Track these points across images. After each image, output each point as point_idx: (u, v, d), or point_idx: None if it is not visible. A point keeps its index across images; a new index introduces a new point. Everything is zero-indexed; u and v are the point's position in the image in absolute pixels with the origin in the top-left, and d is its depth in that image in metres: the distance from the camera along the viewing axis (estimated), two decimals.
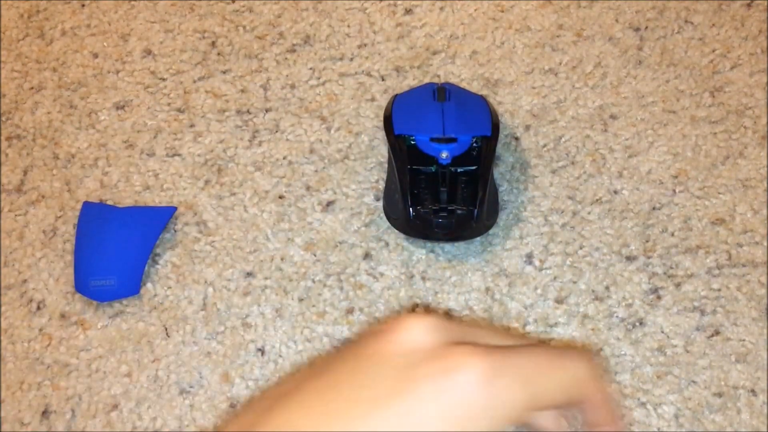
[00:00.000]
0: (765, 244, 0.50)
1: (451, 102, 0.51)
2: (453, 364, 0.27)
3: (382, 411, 0.26)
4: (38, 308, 0.51)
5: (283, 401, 0.26)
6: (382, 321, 0.29)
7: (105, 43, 0.60)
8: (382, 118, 0.54)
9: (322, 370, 0.27)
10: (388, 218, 0.51)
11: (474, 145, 0.50)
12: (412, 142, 0.50)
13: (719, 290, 0.49)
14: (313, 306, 0.50)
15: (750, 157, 0.53)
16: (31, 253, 0.52)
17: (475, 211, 0.48)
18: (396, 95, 0.54)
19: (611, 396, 0.33)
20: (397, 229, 0.50)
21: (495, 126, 0.51)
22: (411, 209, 0.48)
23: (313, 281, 0.50)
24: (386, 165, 0.53)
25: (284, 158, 0.55)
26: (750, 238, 0.51)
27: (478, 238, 0.51)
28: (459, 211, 0.48)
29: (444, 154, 0.49)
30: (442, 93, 0.52)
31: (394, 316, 0.29)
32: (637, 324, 0.48)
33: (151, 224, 0.52)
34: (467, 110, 0.51)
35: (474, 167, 0.49)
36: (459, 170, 0.49)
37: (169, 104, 0.57)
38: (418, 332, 0.28)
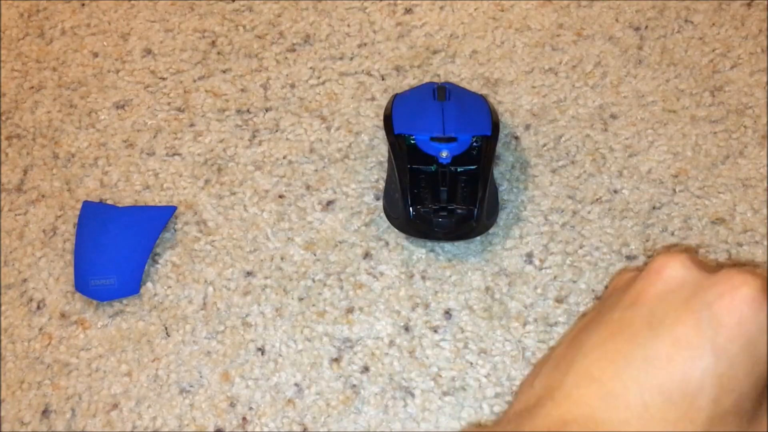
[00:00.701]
0: (765, 243, 0.50)
1: (451, 101, 0.51)
2: (726, 287, 0.27)
3: (669, 345, 0.27)
4: (38, 307, 0.51)
5: (577, 356, 0.28)
6: (625, 270, 0.31)
7: (105, 43, 0.60)
8: (382, 118, 0.54)
9: (596, 326, 0.28)
10: (388, 218, 0.51)
11: (474, 144, 0.50)
12: (412, 142, 0.50)
13: None
14: (313, 305, 0.50)
15: (750, 157, 0.53)
16: (31, 252, 0.52)
17: (475, 210, 0.48)
18: (396, 95, 0.54)
19: None
20: (397, 228, 0.50)
21: (495, 125, 0.51)
22: (411, 209, 0.48)
23: (313, 280, 0.50)
24: (386, 164, 0.53)
25: (284, 157, 0.55)
26: (750, 238, 0.51)
27: (478, 238, 0.51)
28: (459, 211, 0.48)
29: (444, 154, 0.49)
30: (442, 92, 0.52)
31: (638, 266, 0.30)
32: None
33: (151, 224, 0.52)
34: (467, 110, 0.51)
35: (474, 167, 0.49)
36: (459, 170, 0.49)
37: (169, 104, 0.57)
38: (678, 269, 0.29)
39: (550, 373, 0.28)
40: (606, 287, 0.30)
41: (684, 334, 0.27)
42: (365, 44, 0.59)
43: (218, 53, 0.59)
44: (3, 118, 0.57)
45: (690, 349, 0.27)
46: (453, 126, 0.50)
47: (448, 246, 0.51)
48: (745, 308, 0.27)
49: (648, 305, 0.28)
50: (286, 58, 0.58)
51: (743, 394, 0.27)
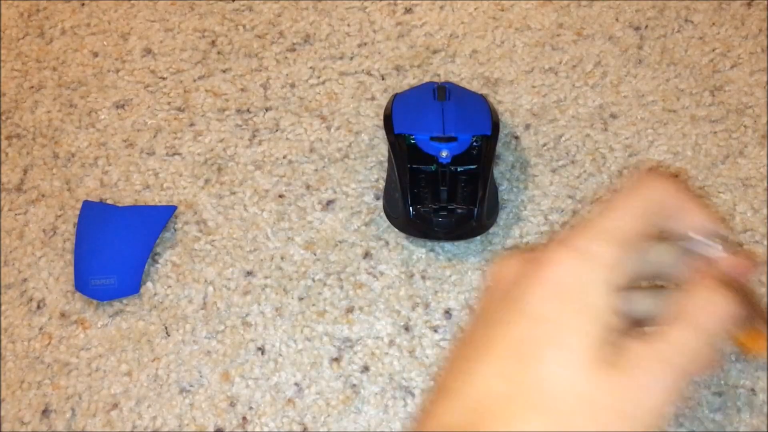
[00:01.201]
0: (765, 243, 0.50)
1: (451, 101, 0.51)
2: (538, 265, 0.28)
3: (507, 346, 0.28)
4: (38, 307, 0.51)
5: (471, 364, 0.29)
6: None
7: (105, 42, 0.60)
8: (382, 117, 0.54)
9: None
10: (388, 217, 0.51)
11: (474, 144, 0.50)
12: (412, 141, 0.50)
13: None
14: (313, 305, 0.50)
15: (750, 156, 0.53)
16: (31, 252, 0.52)
17: (475, 210, 0.48)
18: (396, 94, 0.54)
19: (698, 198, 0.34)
20: (397, 228, 0.50)
21: (495, 125, 0.51)
22: (411, 208, 0.48)
23: (313, 280, 0.50)
24: (386, 164, 0.53)
25: (284, 157, 0.55)
26: (750, 237, 0.51)
27: (478, 237, 0.51)
28: (459, 210, 0.48)
29: (444, 153, 0.49)
30: (442, 92, 0.52)
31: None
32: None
33: (151, 223, 0.52)
34: (467, 109, 0.51)
35: (474, 166, 0.49)
36: (459, 169, 0.49)
37: (169, 103, 0.57)
38: (502, 268, 0.30)
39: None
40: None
41: (512, 328, 0.28)
42: (365, 44, 0.59)
43: (218, 53, 0.59)
44: (3, 117, 0.57)
45: (520, 334, 0.28)
46: (453, 126, 0.50)
47: (448, 246, 0.51)
48: (551, 272, 0.28)
49: (483, 315, 0.30)
50: (286, 57, 0.58)
51: (588, 343, 0.28)
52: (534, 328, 0.28)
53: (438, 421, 0.28)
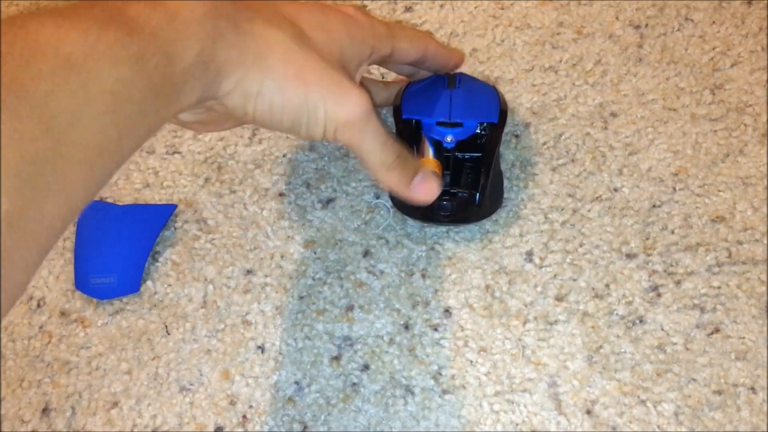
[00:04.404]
0: (765, 241, 0.50)
1: (461, 89, 0.51)
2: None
3: None
4: (38, 306, 0.51)
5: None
6: None
7: None
8: (382, 116, 0.54)
9: None
10: (393, 201, 0.51)
11: (480, 132, 0.50)
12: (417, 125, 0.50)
13: (719, 288, 0.49)
14: (313, 303, 0.50)
15: (750, 155, 0.53)
16: None
17: (477, 195, 0.48)
18: (409, 82, 0.54)
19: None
20: (400, 211, 0.51)
21: (503, 113, 0.51)
22: None
23: (313, 279, 0.50)
24: None
25: (284, 156, 0.55)
26: (750, 236, 0.51)
27: (479, 236, 0.51)
28: (461, 195, 0.48)
29: (449, 138, 0.49)
30: (453, 80, 0.52)
31: None
32: (637, 322, 0.48)
33: (151, 222, 0.52)
34: (476, 97, 0.52)
35: (479, 154, 0.49)
36: (464, 156, 0.49)
37: None
38: None
39: None
40: None
41: None
42: None
43: None
44: None
45: None
46: (459, 112, 0.50)
47: (448, 244, 0.51)
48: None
49: None
50: None
51: None
52: None
53: None
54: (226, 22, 0.32)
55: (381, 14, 0.60)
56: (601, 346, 0.47)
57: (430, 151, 0.49)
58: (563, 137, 0.54)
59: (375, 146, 0.38)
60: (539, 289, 0.49)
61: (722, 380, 0.46)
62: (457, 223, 0.50)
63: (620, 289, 0.49)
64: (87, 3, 0.29)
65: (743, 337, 0.48)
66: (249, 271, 0.51)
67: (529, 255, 0.50)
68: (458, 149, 0.50)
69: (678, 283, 0.49)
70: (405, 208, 0.50)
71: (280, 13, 0.36)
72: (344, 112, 0.36)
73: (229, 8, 0.33)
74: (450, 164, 0.49)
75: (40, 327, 0.50)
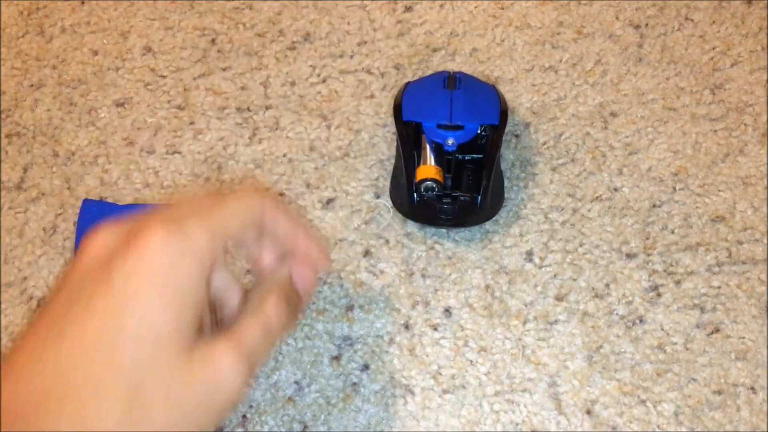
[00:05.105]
0: (765, 241, 0.50)
1: (461, 90, 0.51)
2: (134, 241, 0.29)
3: (90, 314, 0.28)
4: (38, 306, 0.51)
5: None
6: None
7: (105, 41, 0.60)
8: (381, 116, 0.54)
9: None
10: (394, 203, 0.51)
11: (481, 133, 0.50)
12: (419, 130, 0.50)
13: (719, 288, 0.49)
14: (313, 303, 0.50)
15: (750, 155, 0.53)
16: (31, 250, 0.52)
17: (479, 198, 0.48)
18: (408, 83, 0.54)
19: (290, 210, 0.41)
20: (402, 214, 0.51)
21: (503, 114, 0.51)
22: (415, 194, 0.48)
23: None
24: (386, 163, 0.53)
25: (284, 156, 0.55)
26: (750, 236, 0.51)
27: (479, 236, 0.51)
28: (463, 198, 0.48)
29: (450, 141, 0.49)
30: (453, 81, 0.52)
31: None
32: (637, 321, 0.48)
33: None
34: (476, 99, 0.52)
35: (480, 155, 0.49)
36: (464, 158, 0.49)
37: (169, 101, 0.57)
38: (97, 238, 0.30)
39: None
40: None
41: (97, 301, 0.28)
42: (365, 42, 0.59)
43: (218, 51, 0.59)
44: (3, 116, 0.57)
45: (105, 310, 0.28)
46: (460, 114, 0.50)
47: (448, 244, 0.51)
48: (151, 250, 0.29)
49: (68, 286, 0.30)
50: (286, 56, 0.58)
51: (175, 327, 0.28)
52: (119, 308, 0.28)
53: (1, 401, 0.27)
54: None
55: (381, 14, 0.60)
56: (601, 346, 0.48)
57: (430, 156, 0.49)
58: (563, 137, 0.54)
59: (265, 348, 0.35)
60: (539, 288, 0.49)
61: (722, 380, 0.46)
62: (458, 227, 0.50)
63: (620, 289, 0.49)
64: None
65: (743, 337, 0.48)
66: (249, 271, 0.51)
67: (529, 255, 0.50)
68: (459, 151, 0.50)
69: (678, 282, 0.49)
70: (406, 210, 0.50)
71: None
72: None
73: None
74: (451, 167, 0.49)
75: None
